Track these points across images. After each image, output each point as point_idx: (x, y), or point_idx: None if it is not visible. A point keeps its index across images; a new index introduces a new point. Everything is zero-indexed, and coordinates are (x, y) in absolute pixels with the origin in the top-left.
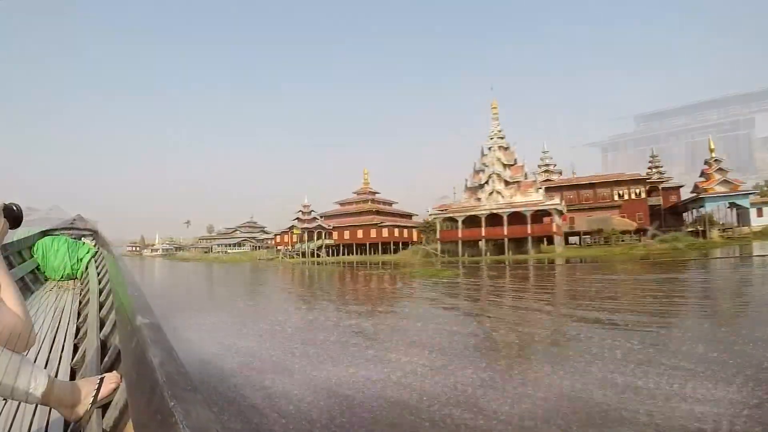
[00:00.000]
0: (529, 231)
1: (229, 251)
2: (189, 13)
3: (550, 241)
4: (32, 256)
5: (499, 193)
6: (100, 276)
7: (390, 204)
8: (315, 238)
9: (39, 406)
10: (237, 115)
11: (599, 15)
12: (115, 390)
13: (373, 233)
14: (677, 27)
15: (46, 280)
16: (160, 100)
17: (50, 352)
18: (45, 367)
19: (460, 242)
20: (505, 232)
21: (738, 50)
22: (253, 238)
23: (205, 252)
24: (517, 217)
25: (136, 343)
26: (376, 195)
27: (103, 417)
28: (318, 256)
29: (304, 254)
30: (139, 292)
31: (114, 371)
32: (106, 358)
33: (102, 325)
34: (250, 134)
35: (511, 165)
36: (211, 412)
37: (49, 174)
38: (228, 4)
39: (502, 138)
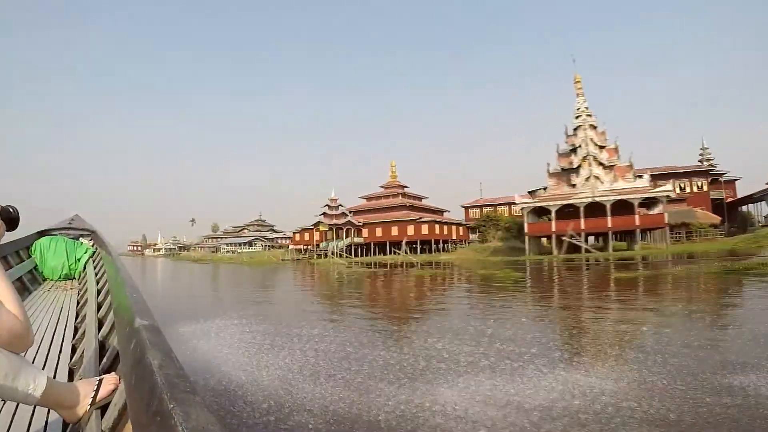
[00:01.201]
0: (637, 222)
1: (239, 251)
2: (192, 15)
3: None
4: (30, 257)
5: (597, 178)
6: (98, 276)
7: (420, 199)
8: (344, 235)
9: (38, 407)
10: (239, 115)
11: (595, 17)
12: (113, 391)
13: (410, 230)
14: (676, 27)
15: (44, 280)
16: (160, 99)
17: (48, 352)
18: (43, 368)
19: (554, 237)
20: (609, 224)
21: (738, 50)
22: (264, 237)
23: (213, 251)
24: (617, 207)
25: (135, 345)
26: (406, 189)
27: (101, 418)
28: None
29: (339, 254)
30: (137, 292)
31: (112, 372)
32: (104, 359)
33: (100, 325)
34: (251, 134)
35: (603, 146)
36: (210, 414)
37: (48, 174)
38: (232, 7)
39: (590, 115)
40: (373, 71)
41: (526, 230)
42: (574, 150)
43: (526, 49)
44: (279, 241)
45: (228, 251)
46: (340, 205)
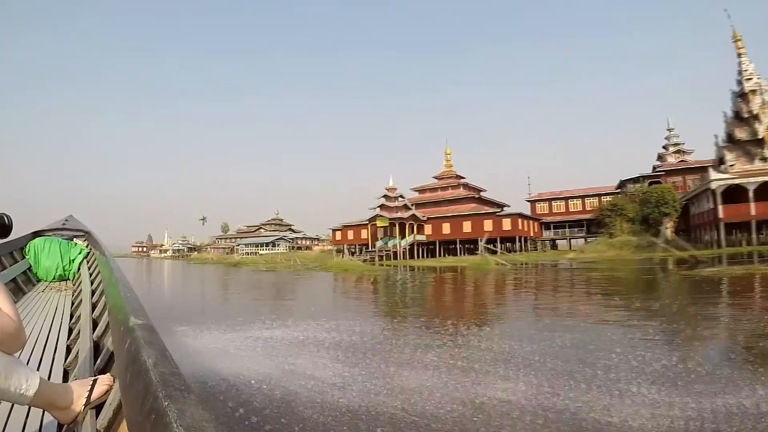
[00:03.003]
0: None
1: (260, 252)
2: (196, 16)
3: None
4: (24, 258)
5: None
6: (92, 277)
7: (479, 191)
8: (407, 232)
9: (32, 408)
10: (238, 116)
11: (597, 19)
12: (107, 391)
13: (487, 226)
14: (681, 29)
15: (38, 281)
16: (161, 99)
17: (43, 353)
18: (38, 369)
19: (753, 223)
20: None
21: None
22: (284, 237)
23: (227, 253)
24: None
25: (130, 344)
26: (464, 180)
27: (96, 418)
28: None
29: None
30: (131, 292)
31: (107, 373)
32: (99, 360)
33: (95, 326)
34: (252, 135)
35: None
36: (205, 411)
37: (49, 174)
38: (237, 10)
39: (760, 78)
40: (373, 71)
41: (720, 215)
42: (752, 118)
43: (524, 49)
44: (299, 241)
45: (247, 252)
46: (400, 196)
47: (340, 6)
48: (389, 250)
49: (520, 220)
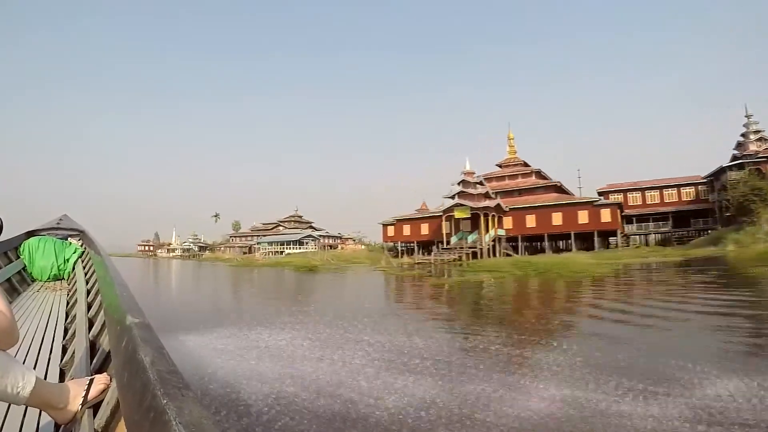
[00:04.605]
0: None
1: (288, 251)
2: (196, 16)
3: None
4: (18, 257)
5: None
6: (87, 276)
7: (550, 180)
8: (489, 225)
9: (29, 409)
10: (238, 116)
11: (602, 19)
12: (104, 391)
13: (582, 217)
14: (684, 30)
15: (33, 281)
16: (163, 99)
17: (39, 353)
18: (34, 369)
19: None
20: None
21: (741, 52)
22: (311, 235)
23: (245, 252)
24: None
25: (126, 343)
26: (532, 168)
27: (94, 417)
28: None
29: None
30: (127, 291)
31: (104, 372)
32: (95, 359)
33: (91, 325)
34: (252, 135)
35: None
36: (204, 409)
37: (49, 174)
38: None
39: None
40: (373, 71)
41: None
42: None
43: (524, 49)
44: (324, 239)
45: (270, 252)
46: (480, 183)
47: (340, 6)
48: (473, 248)
49: (619, 212)
